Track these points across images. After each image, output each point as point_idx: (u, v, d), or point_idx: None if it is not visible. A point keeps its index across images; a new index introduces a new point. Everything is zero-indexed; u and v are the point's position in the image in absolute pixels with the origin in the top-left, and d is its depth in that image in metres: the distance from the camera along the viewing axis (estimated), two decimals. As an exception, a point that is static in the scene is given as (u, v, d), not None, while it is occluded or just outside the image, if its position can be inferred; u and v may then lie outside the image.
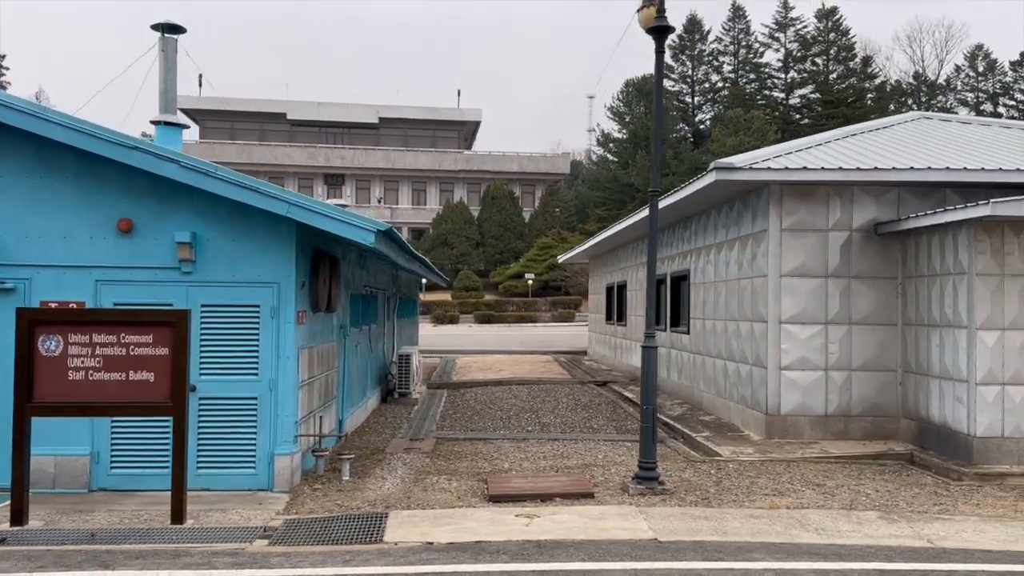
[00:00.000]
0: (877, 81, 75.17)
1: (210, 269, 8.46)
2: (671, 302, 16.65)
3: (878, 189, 11.26)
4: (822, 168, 11.04)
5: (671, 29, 8.78)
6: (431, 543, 6.46)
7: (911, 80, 79.09)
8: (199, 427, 8.37)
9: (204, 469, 8.37)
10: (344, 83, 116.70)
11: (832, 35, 73.83)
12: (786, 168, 11.08)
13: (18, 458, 6.95)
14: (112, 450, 8.33)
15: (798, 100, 75.83)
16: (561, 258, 33.52)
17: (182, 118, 12.55)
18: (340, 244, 10.61)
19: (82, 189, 8.37)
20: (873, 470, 9.60)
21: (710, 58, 76.26)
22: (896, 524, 7.22)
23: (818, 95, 73.59)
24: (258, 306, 8.50)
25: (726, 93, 74.30)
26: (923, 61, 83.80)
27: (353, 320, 12.62)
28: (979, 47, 77.70)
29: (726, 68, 76.52)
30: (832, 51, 73.85)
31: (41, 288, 8.33)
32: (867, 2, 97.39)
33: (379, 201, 70.91)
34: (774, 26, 75.46)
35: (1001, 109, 75.81)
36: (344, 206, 17.22)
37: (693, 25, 75.23)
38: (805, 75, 75.05)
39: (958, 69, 78.84)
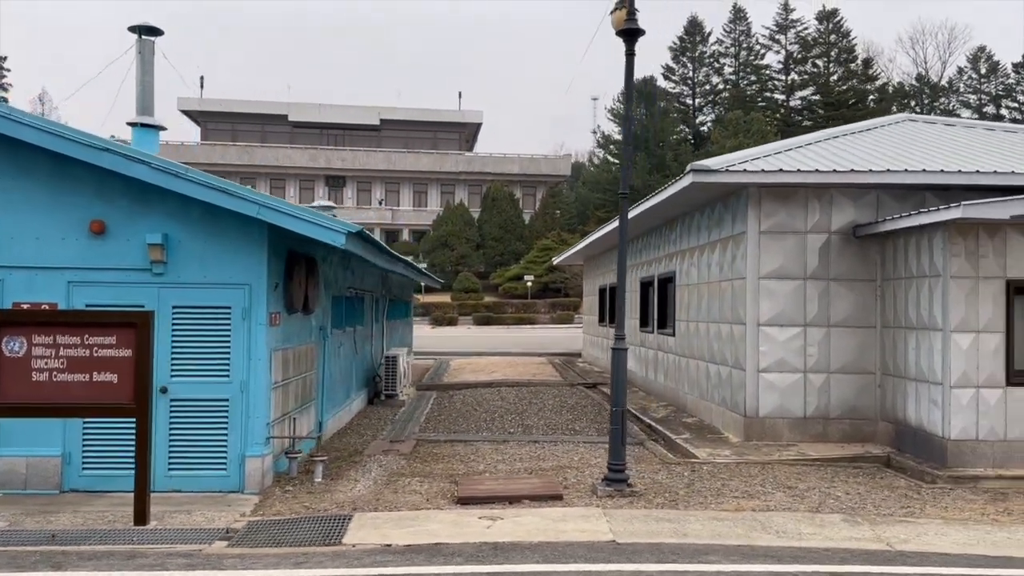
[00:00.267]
0: (879, 83, 75.10)
1: (182, 271, 8.49)
2: (658, 304, 16.63)
3: (856, 191, 11.23)
4: (798, 170, 11.02)
5: (641, 32, 8.79)
6: (389, 545, 6.47)
7: (914, 82, 78.92)
8: (170, 429, 8.40)
9: (176, 471, 8.40)
10: (345, 85, 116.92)
11: (833, 37, 73.83)
12: (762, 170, 11.04)
13: (-17, 459, 6.99)
14: (84, 451, 8.37)
15: (799, 102, 75.81)
16: (556, 259, 33.45)
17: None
18: (319, 246, 10.61)
19: (55, 191, 8.41)
20: (848, 473, 9.58)
21: (711, 60, 76.22)
22: (858, 527, 7.20)
23: (819, 97, 73.59)
24: (229, 308, 8.52)
25: (727, 95, 74.26)
26: (926, 63, 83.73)
27: (336, 322, 12.63)
28: (982, 49, 77.59)
29: (727, 70, 76.51)
30: (833, 53, 73.84)
31: (13, 289, 8.36)
32: (868, 3, 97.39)
33: (380, 203, 70.99)
34: (775, 28, 75.51)
35: (1004, 111, 75.65)
36: (330, 208, 17.32)
37: (694, 27, 75.19)
38: (806, 77, 75.07)
39: (961, 71, 78.77)
